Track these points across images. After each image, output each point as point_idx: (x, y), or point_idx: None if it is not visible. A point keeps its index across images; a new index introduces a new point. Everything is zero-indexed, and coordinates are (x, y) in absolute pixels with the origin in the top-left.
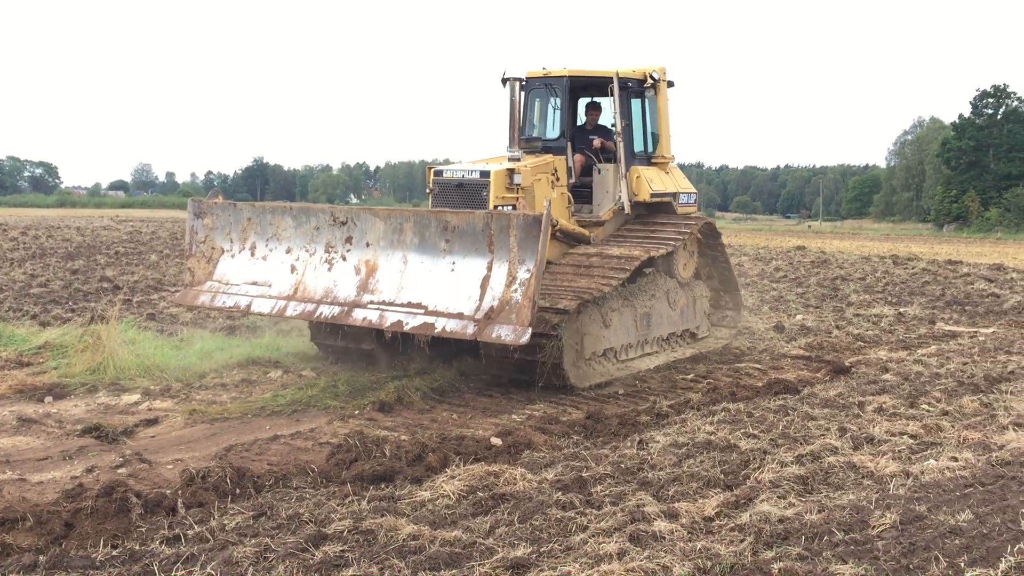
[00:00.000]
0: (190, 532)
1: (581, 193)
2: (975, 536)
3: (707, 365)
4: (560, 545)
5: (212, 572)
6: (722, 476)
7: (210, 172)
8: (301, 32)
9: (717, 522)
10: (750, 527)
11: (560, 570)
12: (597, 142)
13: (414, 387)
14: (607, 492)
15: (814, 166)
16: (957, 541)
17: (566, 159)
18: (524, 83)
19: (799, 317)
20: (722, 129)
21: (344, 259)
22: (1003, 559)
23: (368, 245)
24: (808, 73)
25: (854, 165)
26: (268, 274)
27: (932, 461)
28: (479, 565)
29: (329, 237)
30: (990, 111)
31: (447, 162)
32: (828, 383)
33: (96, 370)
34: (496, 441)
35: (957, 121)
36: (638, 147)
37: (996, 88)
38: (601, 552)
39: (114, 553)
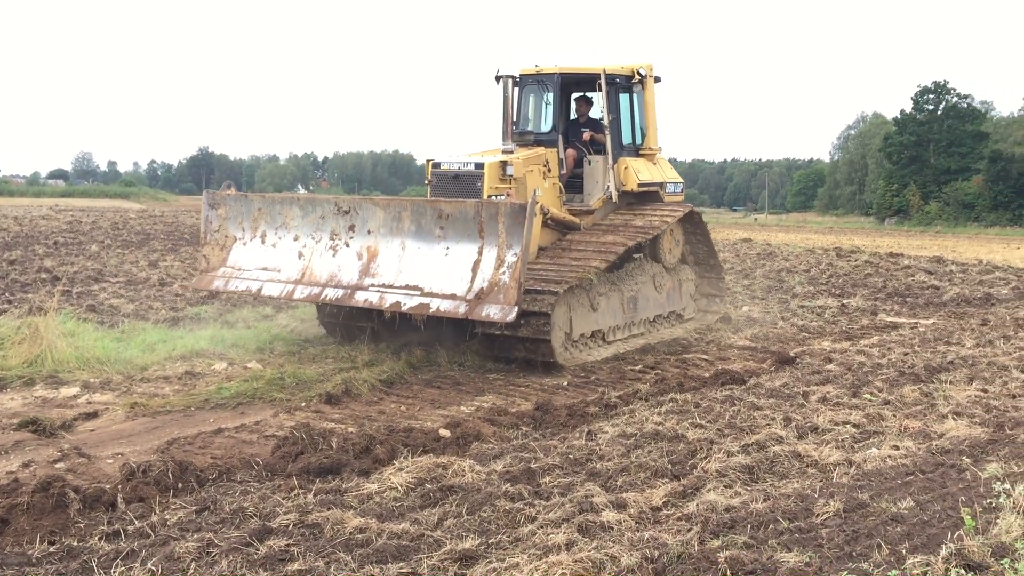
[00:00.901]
0: (130, 528)
1: (573, 183)
2: (916, 523)
3: (655, 356)
4: (508, 537)
5: (153, 568)
6: (669, 466)
7: (153, 161)
8: (246, 20)
9: (665, 512)
10: (697, 516)
11: (508, 562)
12: (587, 135)
13: (362, 379)
14: (556, 483)
15: (760, 160)
16: (899, 528)
17: (557, 151)
18: (518, 80)
19: (745, 308)
20: (670, 123)
21: (347, 245)
22: (943, 545)
23: (369, 232)
24: (755, 69)
25: (799, 159)
26: (277, 260)
27: (874, 450)
28: (427, 558)
29: (334, 225)
30: (930, 107)
31: (395, 152)
32: (773, 373)
33: (33, 363)
34: (445, 433)
35: (899, 116)
36: (626, 139)
37: (936, 84)
38: (549, 543)
39: (51, 550)
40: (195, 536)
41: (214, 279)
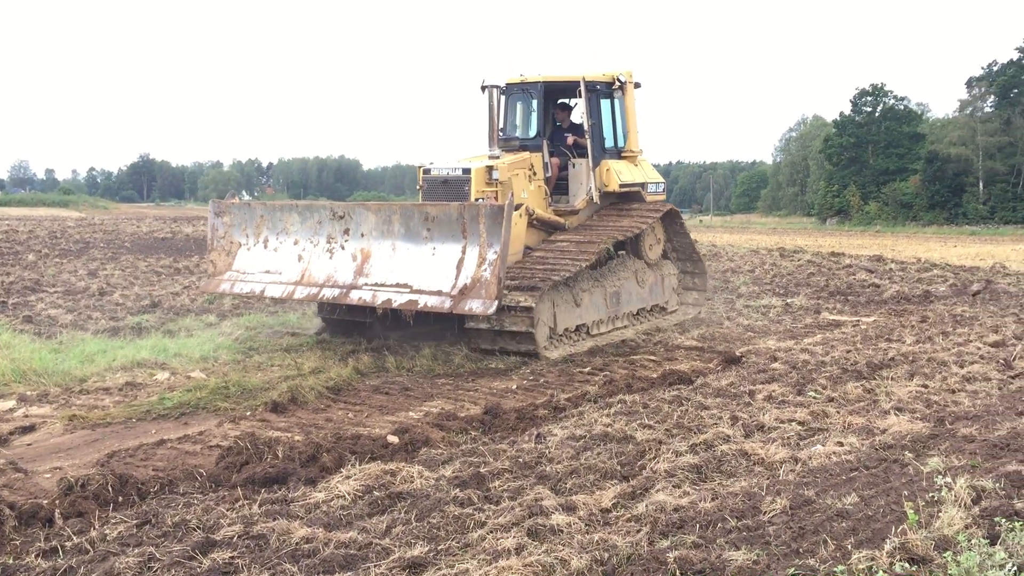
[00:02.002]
0: (68, 544)
1: (560, 186)
2: (861, 518)
3: (603, 358)
4: (458, 542)
5: None
6: (619, 467)
7: (93, 169)
8: (187, 24)
9: (614, 513)
10: (646, 517)
11: (458, 568)
12: (571, 139)
13: (308, 386)
14: (505, 487)
15: (704, 162)
16: (844, 524)
17: (542, 156)
18: (504, 89)
19: (692, 309)
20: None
21: (343, 248)
22: (887, 540)
23: (363, 235)
24: (698, 73)
25: (742, 161)
26: (279, 263)
27: (819, 447)
28: (375, 566)
29: (330, 230)
30: (869, 109)
31: (341, 158)
32: (720, 373)
33: None
34: (393, 439)
35: (838, 119)
36: (608, 143)
37: (874, 87)
38: (499, 548)
39: None
40: (136, 551)
41: (221, 282)
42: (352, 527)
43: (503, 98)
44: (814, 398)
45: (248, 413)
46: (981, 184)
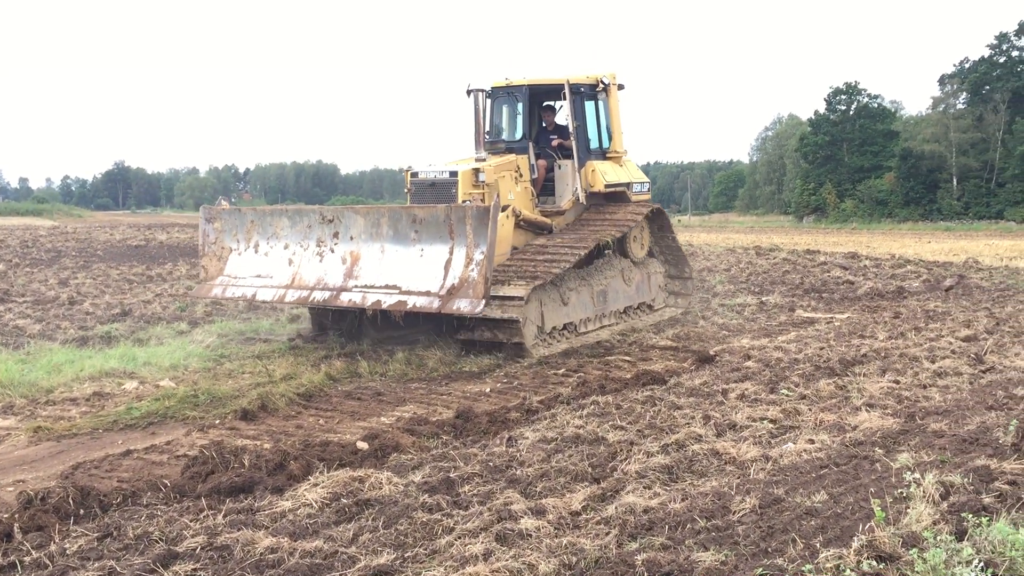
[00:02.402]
0: (27, 559)
1: (547, 187)
2: (830, 516)
3: (578, 359)
4: (425, 549)
5: None
6: (590, 469)
7: (67, 177)
8: (162, 30)
9: (584, 516)
10: (615, 519)
11: (425, 575)
12: (556, 141)
13: (279, 393)
14: (475, 492)
15: (682, 162)
16: (813, 522)
17: (528, 158)
18: (489, 92)
19: (668, 309)
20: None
21: (332, 251)
22: (855, 538)
23: (352, 238)
24: (675, 73)
25: (720, 161)
26: (270, 267)
27: (790, 444)
28: (340, 575)
29: (319, 233)
30: (843, 107)
31: (319, 163)
32: (694, 372)
33: None
34: (362, 445)
35: (813, 117)
36: (593, 144)
37: (848, 85)
38: (467, 554)
39: None
40: (96, 564)
41: (213, 287)
42: (318, 536)
43: (489, 101)
44: (787, 396)
45: (217, 421)
46: (955, 180)
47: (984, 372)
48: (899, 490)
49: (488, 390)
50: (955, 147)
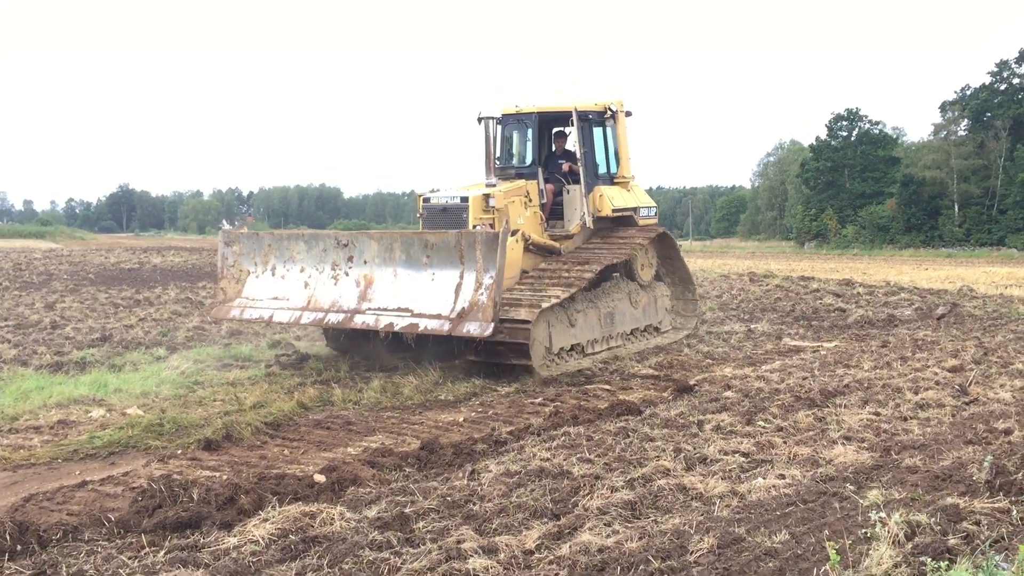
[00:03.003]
0: None
1: (557, 211)
2: (789, 558)
3: (556, 388)
4: None
5: None
6: (551, 505)
7: (72, 200)
8: (165, 54)
9: (537, 555)
10: (567, 559)
11: None
12: (566, 166)
13: (246, 422)
14: (430, 528)
15: (684, 187)
16: (771, 564)
17: (538, 183)
18: (500, 119)
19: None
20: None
21: (347, 275)
22: None
23: (366, 262)
24: (678, 98)
25: (722, 186)
26: (286, 290)
27: (760, 479)
28: None
29: (335, 257)
30: (844, 133)
31: (322, 186)
32: (671, 402)
33: None
34: (319, 478)
35: (814, 143)
36: (601, 169)
37: (849, 112)
38: None
39: None
40: None
41: (231, 309)
42: (259, 575)
43: (500, 128)
44: (763, 428)
45: (179, 451)
46: (956, 207)
47: (967, 404)
48: (864, 530)
49: (462, 419)
50: (956, 174)
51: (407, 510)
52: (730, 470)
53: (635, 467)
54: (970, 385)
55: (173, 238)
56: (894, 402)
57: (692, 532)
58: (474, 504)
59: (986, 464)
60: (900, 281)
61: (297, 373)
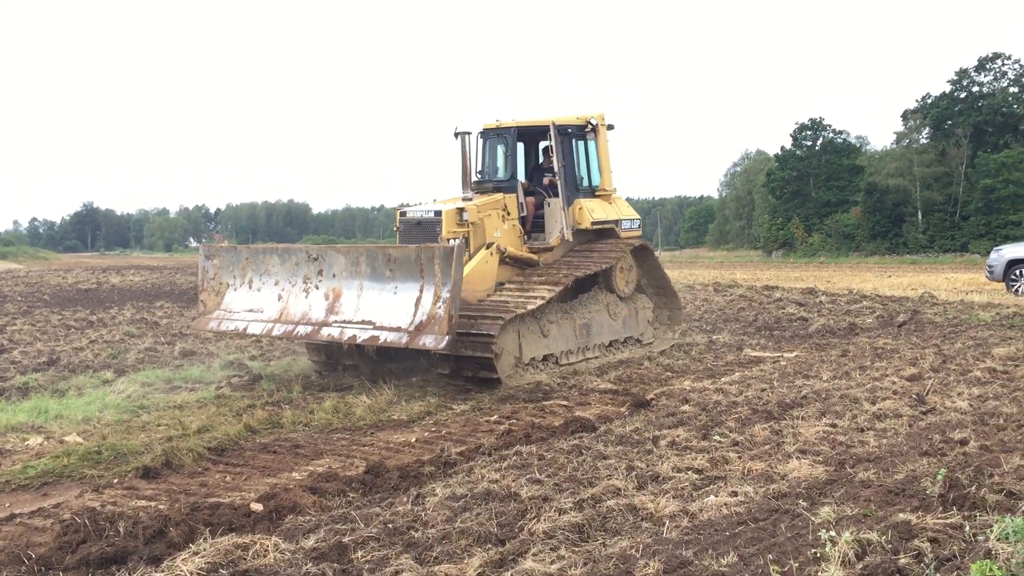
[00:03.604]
0: None
1: (538, 224)
2: None
3: (513, 404)
4: None
5: None
6: (496, 530)
7: (35, 219)
8: (128, 68)
9: None
10: None
11: None
12: (548, 180)
13: (188, 448)
14: (368, 558)
15: (654, 198)
16: None
17: (516, 196)
18: (482, 134)
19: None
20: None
21: (317, 288)
22: None
23: (334, 276)
24: (645, 109)
25: (690, 196)
26: (261, 302)
27: (712, 497)
28: None
29: (306, 271)
30: (809, 143)
31: (290, 202)
32: (628, 418)
33: None
34: (256, 507)
35: (779, 153)
36: (582, 182)
37: (813, 121)
38: None
39: None
40: None
41: (209, 321)
42: None
43: (482, 141)
44: (719, 443)
45: (116, 480)
46: (920, 214)
47: (925, 414)
48: (813, 549)
49: (414, 439)
50: (919, 181)
51: (346, 539)
52: (682, 488)
53: (586, 487)
54: (927, 394)
55: (139, 256)
56: (851, 413)
57: (639, 556)
58: (417, 531)
59: (939, 477)
60: (863, 289)
61: (248, 395)
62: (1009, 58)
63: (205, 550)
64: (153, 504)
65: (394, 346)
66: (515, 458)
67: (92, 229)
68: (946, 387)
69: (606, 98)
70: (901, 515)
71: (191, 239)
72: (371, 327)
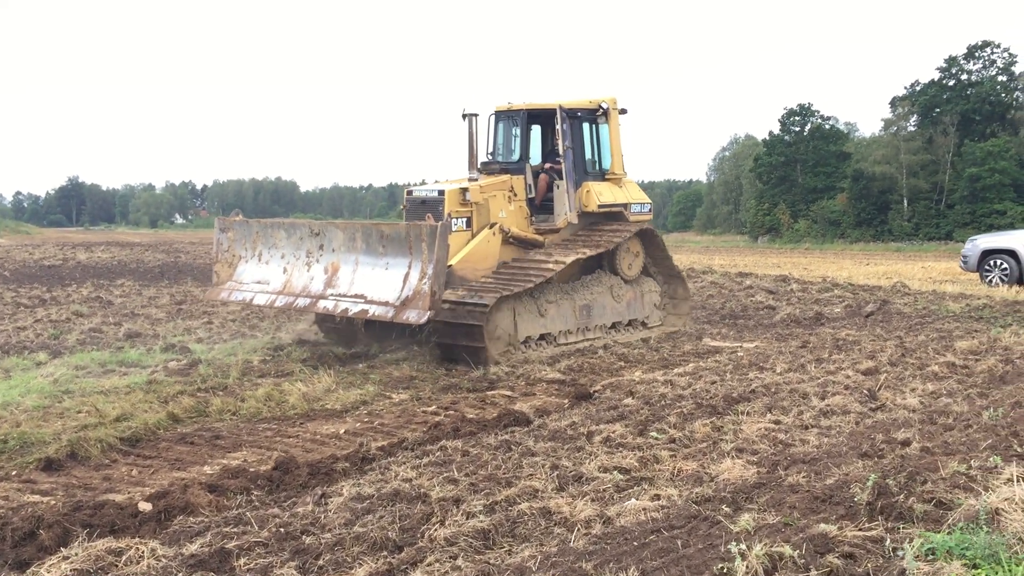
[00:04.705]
0: None
1: (548, 206)
2: None
3: (454, 394)
4: None
5: None
6: (395, 536)
7: (19, 193)
8: (115, 42)
9: None
10: None
11: None
12: (547, 165)
13: (98, 438)
14: (251, 566)
15: (643, 181)
16: None
17: (524, 178)
18: (493, 115)
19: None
20: None
21: (318, 262)
22: None
23: (333, 251)
24: (636, 92)
25: (679, 180)
26: (268, 275)
27: (633, 501)
28: None
29: (309, 245)
30: (797, 128)
31: (278, 180)
32: (567, 411)
33: None
34: (145, 506)
35: (767, 138)
36: (591, 165)
37: (801, 106)
38: None
39: None
40: None
41: (221, 291)
42: None
43: (494, 123)
44: (655, 439)
45: (15, 472)
46: (905, 202)
47: (874, 411)
48: (722, 564)
49: (343, 431)
50: (906, 169)
51: (231, 544)
52: (604, 490)
53: (503, 488)
54: (879, 390)
55: (124, 232)
56: (798, 409)
57: (535, 569)
58: (311, 535)
59: (869, 483)
60: (837, 277)
61: (182, 380)
62: (998, 47)
63: (76, 555)
64: (47, 500)
65: (380, 319)
66: (439, 454)
67: (77, 204)
68: (901, 382)
69: (597, 81)
70: (822, 525)
71: (177, 215)
72: (362, 301)
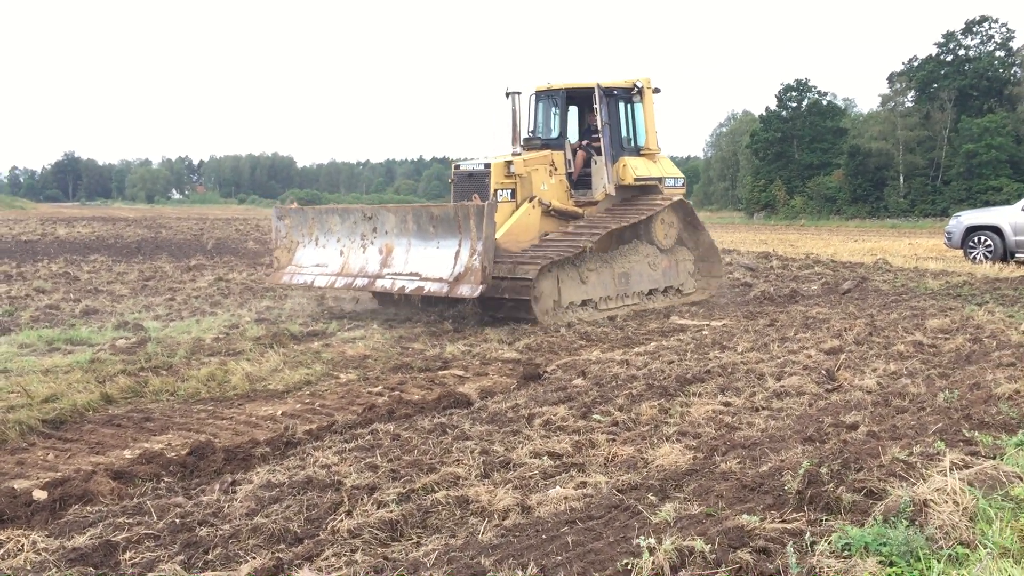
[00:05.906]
0: None
1: (586, 181)
2: None
3: (404, 374)
4: None
5: None
6: (298, 528)
7: (15, 168)
8: (112, 16)
9: None
10: None
11: None
12: (583, 141)
13: (18, 420)
14: (136, 560)
15: None
16: None
17: (564, 153)
18: (533, 95)
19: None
20: None
21: (372, 244)
22: None
23: (387, 233)
24: (633, 70)
25: (677, 156)
26: (326, 258)
27: (558, 488)
28: None
29: (363, 229)
30: (793, 104)
31: (275, 155)
32: (512, 392)
33: None
34: (40, 495)
35: (764, 114)
36: (627, 142)
37: (799, 82)
38: None
39: None
40: None
41: (283, 275)
42: None
43: (534, 102)
44: (598, 422)
45: None
46: (901, 178)
47: (830, 392)
48: (627, 559)
49: (281, 412)
50: (902, 145)
51: (120, 536)
52: (530, 477)
53: (424, 474)
54: (838, 370)
55: (120, 207)
56: (751, 390)
57: (430, 565)
58: (208, 527)
59: (800, 471)
60: (822, 254)
61: (126, 359)
62: (996, 21)
63: None
64: None
65: (436, 295)
66: (368, 438)
67: (73, 179)
68: (863, 362)
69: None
70: (744, 517)
71: (173, 191)
72: (418, 278)
